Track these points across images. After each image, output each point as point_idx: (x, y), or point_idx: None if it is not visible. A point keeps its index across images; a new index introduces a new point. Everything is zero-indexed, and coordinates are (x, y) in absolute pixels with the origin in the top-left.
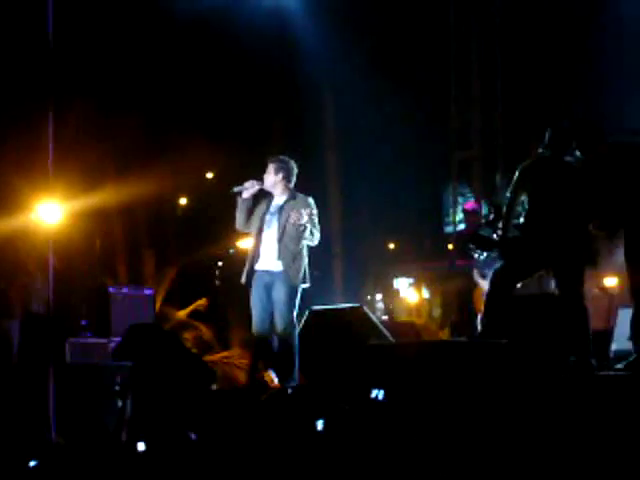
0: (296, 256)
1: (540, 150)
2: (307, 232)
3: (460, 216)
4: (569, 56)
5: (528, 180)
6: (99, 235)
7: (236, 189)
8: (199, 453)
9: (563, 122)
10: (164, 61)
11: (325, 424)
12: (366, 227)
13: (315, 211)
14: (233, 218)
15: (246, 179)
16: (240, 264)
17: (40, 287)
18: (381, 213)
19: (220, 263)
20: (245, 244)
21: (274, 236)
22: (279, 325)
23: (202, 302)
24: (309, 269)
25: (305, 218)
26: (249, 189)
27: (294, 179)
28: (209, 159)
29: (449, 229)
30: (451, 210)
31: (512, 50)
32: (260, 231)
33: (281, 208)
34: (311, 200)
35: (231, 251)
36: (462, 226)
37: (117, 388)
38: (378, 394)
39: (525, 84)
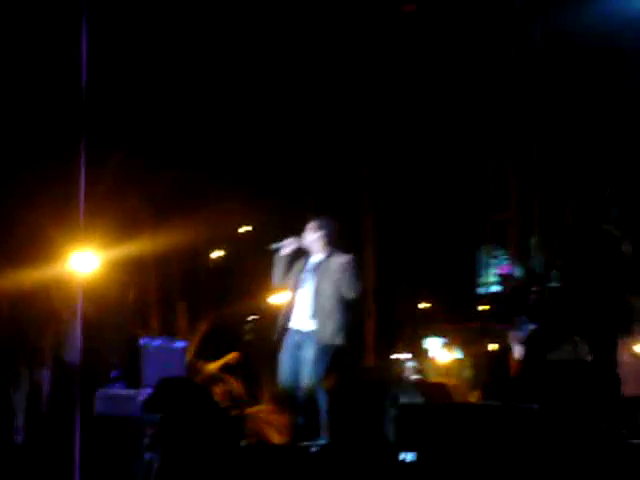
0: (331, 315)
1: (579, 217)
2: (344, 287)
3: (492, 278)
4: (611, 119)
5: (566, 245)
6: (133, 286)
7: (274, 246)
8: None
9: (605, 191)
10: (202, 115)
11: None
12: (399, 287)
13: (353, 265)
14: (266, 272)
15: (281, 234)
16: (272, 319)
17: (73, 336)
18: (414, 273)
19: (251, 318)
20: (276, 299)
21: (309, 294)
22: (305, 383)
23: (233, 356)
24: (349, 328)
25: (343, 268)
26: (287, 246)
27: (334, 239)
28: (244, 213)
29: (482, 290)
30: (484, 272)
31: (550, 114)
32: (296, 289)
33: (317, 266)
34: (350, 256)
35: (263, 306)
36: (496, 288)
37: (146, 441)
38: (408, 456)
39: (564, 147)
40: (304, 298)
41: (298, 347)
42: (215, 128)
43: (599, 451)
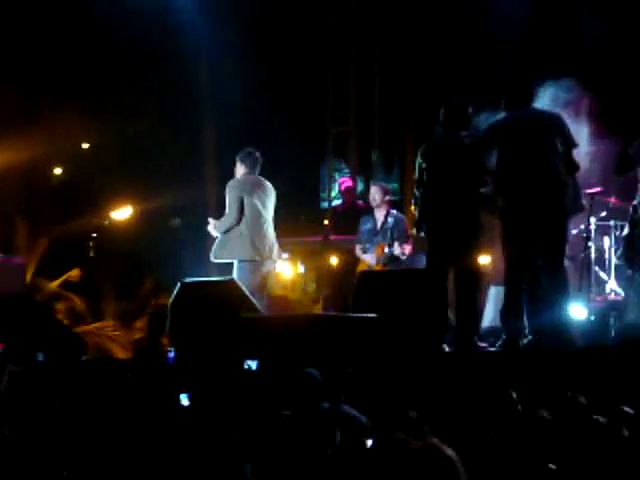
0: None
1: (437, 129)
2: None
3: (335, 192)
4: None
5: (425, 161)
6: None
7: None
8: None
9: (453, 98)
10: (38, 29)
11: (194, 397)
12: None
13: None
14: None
15: (122, 150)
16: (115, 235)
17: None
18: None
19: (94, 234)
20: (119, 215)
21: None
22: None
23: (75, 273)
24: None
25: None
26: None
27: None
28: (85, 129)
29: (324, 204)
30: (327, 185)
31: (391, 27)
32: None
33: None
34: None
35: (106, 222)
36: (338, 202)
37: None
38: (251, 365)
39: (403, 59)
40: None
41: None
42: (49, 39)
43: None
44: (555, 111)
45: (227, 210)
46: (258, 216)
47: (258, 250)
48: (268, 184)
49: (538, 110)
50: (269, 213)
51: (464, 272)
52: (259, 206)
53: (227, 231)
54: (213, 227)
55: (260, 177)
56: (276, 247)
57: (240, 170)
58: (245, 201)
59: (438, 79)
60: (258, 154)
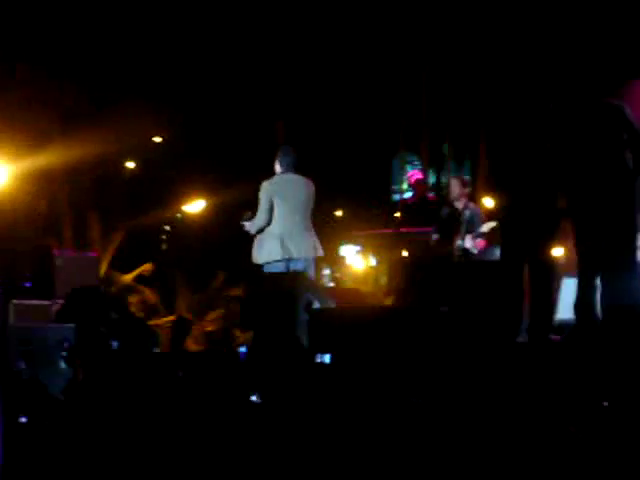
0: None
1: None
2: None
3: (406, 184)
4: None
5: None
6: (44, 197)
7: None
8: (137, 419)
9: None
10: (109, 24)
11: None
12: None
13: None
14: (181, 182)
15: (194, 144)
16: (187, 229)
17: None
18: (329, 181)
19: (167, 227)
20: (192, 208)
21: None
22: None
23: (147, 267)
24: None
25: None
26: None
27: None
28: (157, 124)
29: (396, 197)
30: (399, 178)
31: (466, 22)
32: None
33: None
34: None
35: (179, 215)
36: (409, 194)
37: (62, 351)
38: (323, 358)
39: (478, 52)
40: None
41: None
42: (123, 38)
43: (499, 352)
44: (617, 102)
45: (258, 211)
46: (289, 215)
47: (288, 250)
48: (303, 181)
49: (601, 101)
50: (302, 211)
51: (538, 264)
52: (290, 205)
53: (260, 232)
54: (247, 227)
55: (295, 175)
56: (311, 245)
57: (277, 169)
58: (276, 201)
59: (513, 72)
60: (293, 150)
